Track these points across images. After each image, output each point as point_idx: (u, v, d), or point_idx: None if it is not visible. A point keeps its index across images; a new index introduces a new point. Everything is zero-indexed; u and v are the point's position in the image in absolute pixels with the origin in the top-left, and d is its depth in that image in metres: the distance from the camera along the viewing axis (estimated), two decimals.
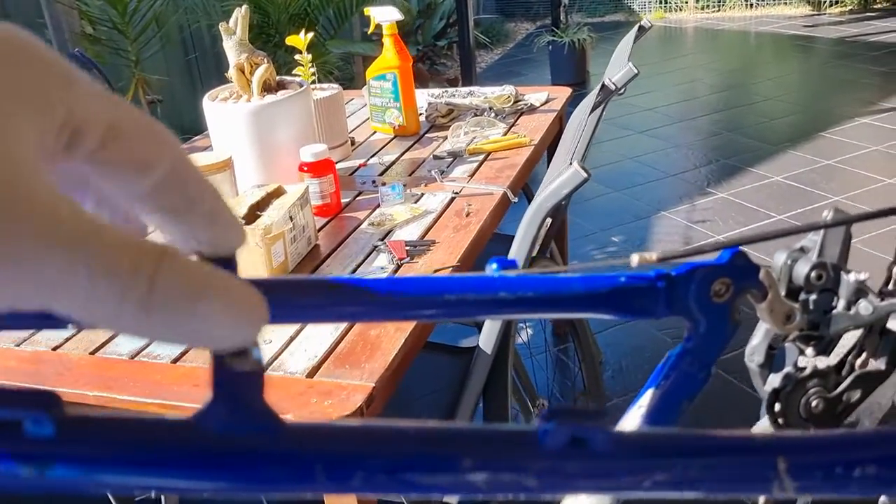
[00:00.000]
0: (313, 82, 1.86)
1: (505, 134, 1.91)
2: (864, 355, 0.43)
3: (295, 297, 0.31)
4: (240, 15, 1.54)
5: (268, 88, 1.59)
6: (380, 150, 1.92)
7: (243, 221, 1.26)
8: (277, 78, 1.65)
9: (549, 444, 0.22)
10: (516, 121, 2.01)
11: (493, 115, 2.01)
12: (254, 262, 1.25)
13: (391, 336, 1.10)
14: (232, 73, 1.56)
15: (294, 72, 1.83)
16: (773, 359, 0.44)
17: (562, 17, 5.72)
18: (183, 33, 4.47)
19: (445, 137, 1.93)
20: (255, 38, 4.24)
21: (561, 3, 5.71)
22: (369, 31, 2.00)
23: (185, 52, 4.50)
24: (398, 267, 1.30)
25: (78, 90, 0.22)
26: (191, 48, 4.53)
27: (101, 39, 3.30)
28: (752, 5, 7.83)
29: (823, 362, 0.43)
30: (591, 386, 1.81)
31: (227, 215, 0.26)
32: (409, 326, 1.12)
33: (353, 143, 1.97)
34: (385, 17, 1.90)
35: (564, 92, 2.21)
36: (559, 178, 1.05)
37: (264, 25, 4.27)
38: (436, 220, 1.47)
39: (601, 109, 1.65)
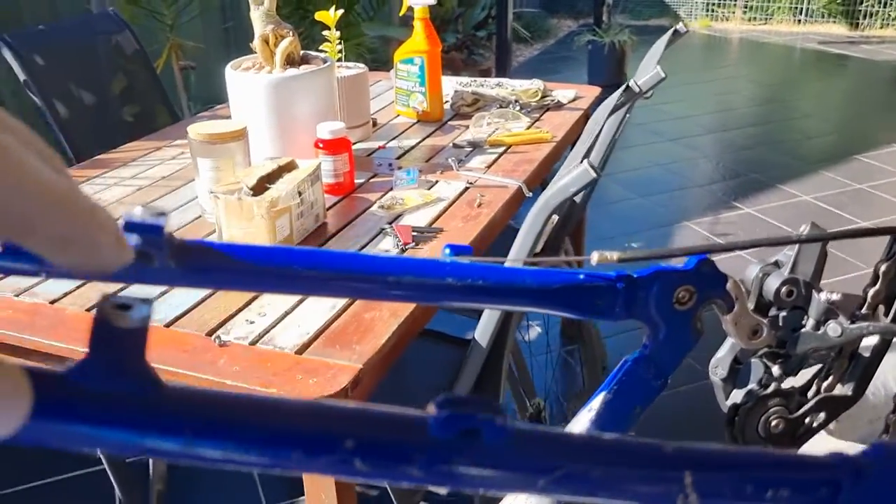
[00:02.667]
0: (339, 60, 1.85)
1: (528, 128, 1.89)
2: (830, 378, 0.42)
3: (237, 265, 0.30)
4: None
5: (291, 62, 1.59)
6: (401, 133, 1.91)
7: (250, 190, 1.26)
8: (302, 52, 1.65)
9: (438, 433, 0.21)
10: (541, 116, 1.99)
11: (517, 108, 1.99)
12: (258, 233, 1.25)
13: (385, 320, 1.10)
14: (256, 43, 1.56)
15: (321, 48, 1.83)
16: (738, 374, 0.43)
17: (604, 17, 5.66)
18: (223, 1, 4.49)
19: (468, 126, 1.91)
20: (291, 12, 4.24)
21: (604, 3, 5.65)
22: (401, 13, 1.99)
23: (223, 20, 4.52)
24: (402, 251, 1.29)
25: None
26: (229, 16, 4.54)
27: (139, 1, 3.31)
28: (800, 21, 7.70)
29: (788, 382, 0.42)
30: (592, 388, 1.79)
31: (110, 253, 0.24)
32: (404, 311, 1.11)
33: (375, 124, 1.97)
34: (418, 0, 1.89)
35: (593, 91, 2.19)
36: (568, 176, 1.03)
37: (302, 0, 4.27)
38: (446, 209, 1.46)
39: (625, 111, 1.62)
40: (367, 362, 1.01)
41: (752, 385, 0.42)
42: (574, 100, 2.12)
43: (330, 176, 1.51)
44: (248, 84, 1.52)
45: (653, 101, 5.66)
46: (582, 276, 0.37)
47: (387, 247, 1.31)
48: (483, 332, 1.18)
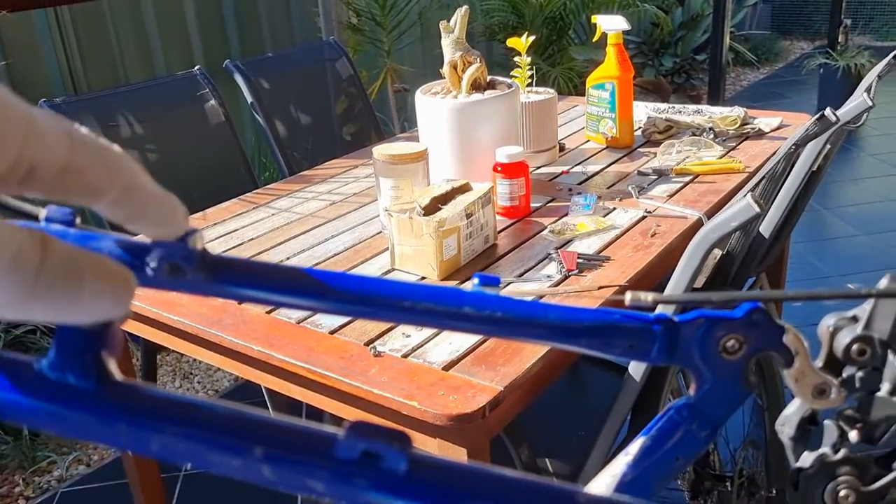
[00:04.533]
0: (529, 85, 1.88)
1: (721, 157, 1.81)
2: None
3: (251, 279, 0.33)
4: (459, 15, 1.60)
5: (477, 87, 1.64)
6: (587, 158, 1.90)
7: (422, 210, 1.31)
8: (490, 78, 1.69)
9: (341, 452, 0.22)
10: (738, 145, 1.90)
11: (711, 136, 1.91)
12: (426, 251, 1.30)
13: (535, 345, 1.10)
14: (445, 69, 1.63)
15: (512, 73, 1.86)
16: (812, 435, 0.39)
17: (840, 38, 5.25)
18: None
19: (657, 154, 1.86)
20: (507, 38, 4.35)
21: (841, 23, 5.24)
22: (595, 39, 1.98)
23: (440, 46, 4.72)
24: (565, 277, 1.29)
25: (35, 133, 0.24)
26: None
27: (364, 30, 3.56)
28: None
29: (864, 450, 0.38)
30: (774, 437, 1.67)
31: (172, 221, 0.30)
32: None
33: (562, 149, 1.97)
34: (611, 25, 1.88)
35: (801, 119, 2.04)
36: (730, 210, 0.98)
37: (518, 26, 4.37)
38: (618, 237, 1.43)
39: (824, 143, 1.51)
40: (508, 385, 1.02)
41: (825, 449, 0.39)
42: (778, 128, 1.99)
43: (506, 199, 1.54)
44: (433, 107, 1.59)
45: (894, 130, 5.15)
46: (617, 316, 0.37)
47: (549, 272, 1.31)
48: (636, 366, 1.15)
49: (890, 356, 0.36)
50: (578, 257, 1.34)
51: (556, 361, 1.13)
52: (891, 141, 4.49)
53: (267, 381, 1.21)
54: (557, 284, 1.27)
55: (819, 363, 0.37)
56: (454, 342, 1.12)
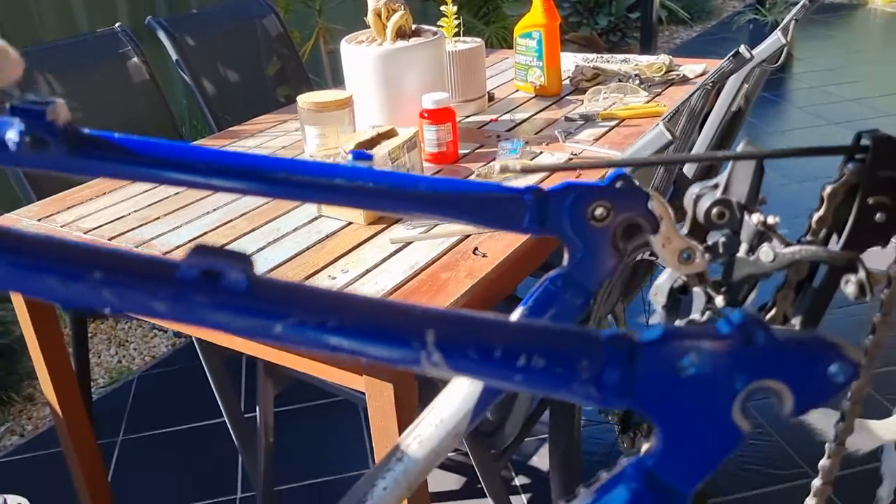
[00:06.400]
0: (457, 35, 1.88)
1: (647, 103, 1.84)
2: (774, 310, 0.39)
3: (118, 153, 0.33)
4: None
5: (402, 35, 1.63)
6: (516, 107, 1.91)
7: (347, 154, 1.31)
8: (415, 26, 1.69)
9: (183, 273, 0.23)
10: (663, 91, 1.93)
11: (637, 82, 1.94)
12: None
13: (460, 280, 1.11)
14: (370, 17, 1.61)
15: (438, 23, 1.86)
16: (681, 304, 0.41)
17: None
18: None
19: (583, 101, 1.89)
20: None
21: None
22: None
23: None
24: None
25: None
26: None
27: None
28: None
29: (729, 312, 0.40)
30: None
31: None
32: (480, 273, 1.13)
33: (492, 98, 1.98)
34: None
35: None
36: (644, 139, 1.00)
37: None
38: (544, 179, 1.45)
39: (741, 81, 1.55)
40: None
41: (695, 315, 0.41)
42: (702, 74, 2.03)
43: (433, 145, 1.55)
44: (358, 56, 1.58)
45: (820, 83, 5.27)
46: (488, 187, 0.38)
47: None
48: None
49: (746, 217, 0.38)
50: None
51: (481, 297, 1.14)
52: (816, 94, 4.61)
53: (200, 333, 1.20)
54: None
55: (684, 230, 0.39)
56: (379, 282, 1.13)
